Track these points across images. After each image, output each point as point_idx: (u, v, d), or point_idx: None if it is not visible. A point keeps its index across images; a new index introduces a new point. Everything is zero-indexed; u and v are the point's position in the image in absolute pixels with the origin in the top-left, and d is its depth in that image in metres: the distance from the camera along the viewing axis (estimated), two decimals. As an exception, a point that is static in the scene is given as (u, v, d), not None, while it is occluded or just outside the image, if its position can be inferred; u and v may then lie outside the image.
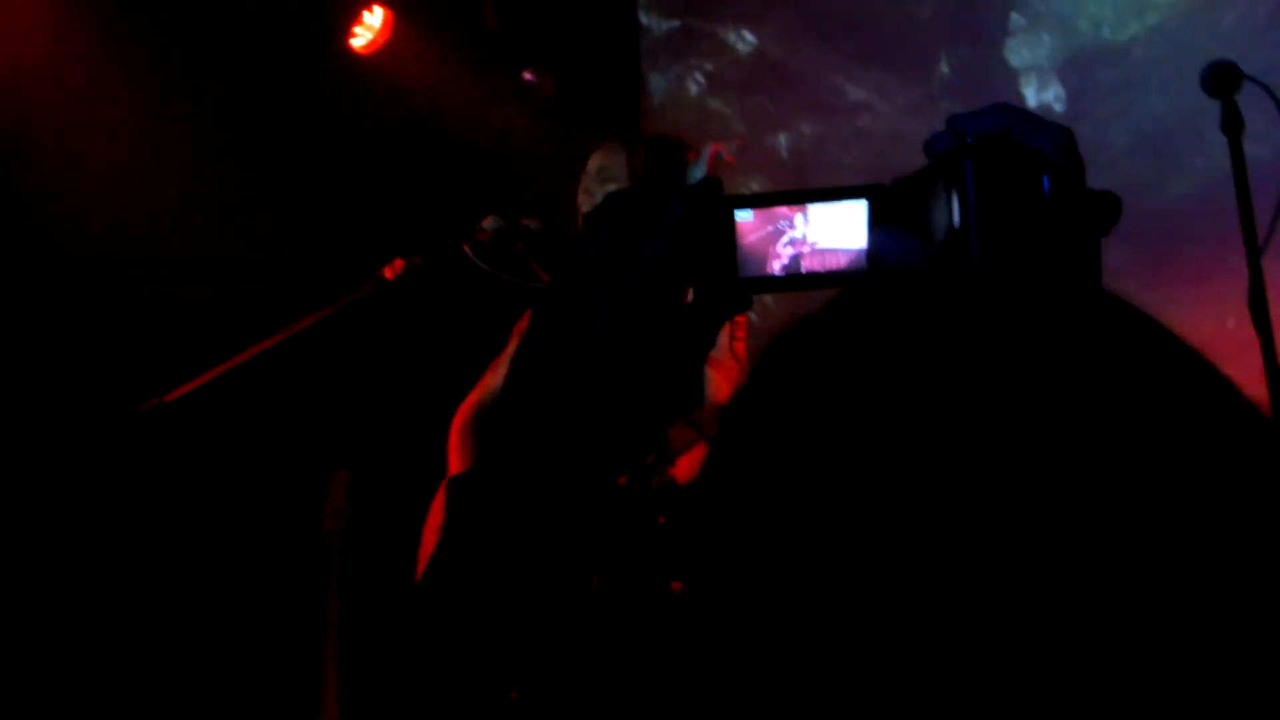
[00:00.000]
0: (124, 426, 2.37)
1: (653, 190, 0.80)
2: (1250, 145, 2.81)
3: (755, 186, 4.95)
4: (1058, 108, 4.49)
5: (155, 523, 4.11)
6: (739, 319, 3.26)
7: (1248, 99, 2.72)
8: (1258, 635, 0.43)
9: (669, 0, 5.75)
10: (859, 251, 0.82)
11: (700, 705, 0.49)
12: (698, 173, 2.87)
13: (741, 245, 0.83)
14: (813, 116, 5.25)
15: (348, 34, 4.79)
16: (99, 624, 4.01)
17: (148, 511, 4.08)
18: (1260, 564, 0.44)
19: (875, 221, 0.81)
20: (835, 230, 0.82)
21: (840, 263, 0.82)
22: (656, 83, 5.68)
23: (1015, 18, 4.69)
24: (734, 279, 0.83)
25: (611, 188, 2.81)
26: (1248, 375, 2.79)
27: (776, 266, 0.83)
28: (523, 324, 3.46)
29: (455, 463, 3.33)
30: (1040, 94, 4.56)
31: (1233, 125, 2.70)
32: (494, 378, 3.41)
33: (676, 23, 5.70)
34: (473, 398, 3.40)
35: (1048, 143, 0.77)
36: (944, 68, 4.87)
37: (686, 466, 2.89)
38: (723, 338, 3.22)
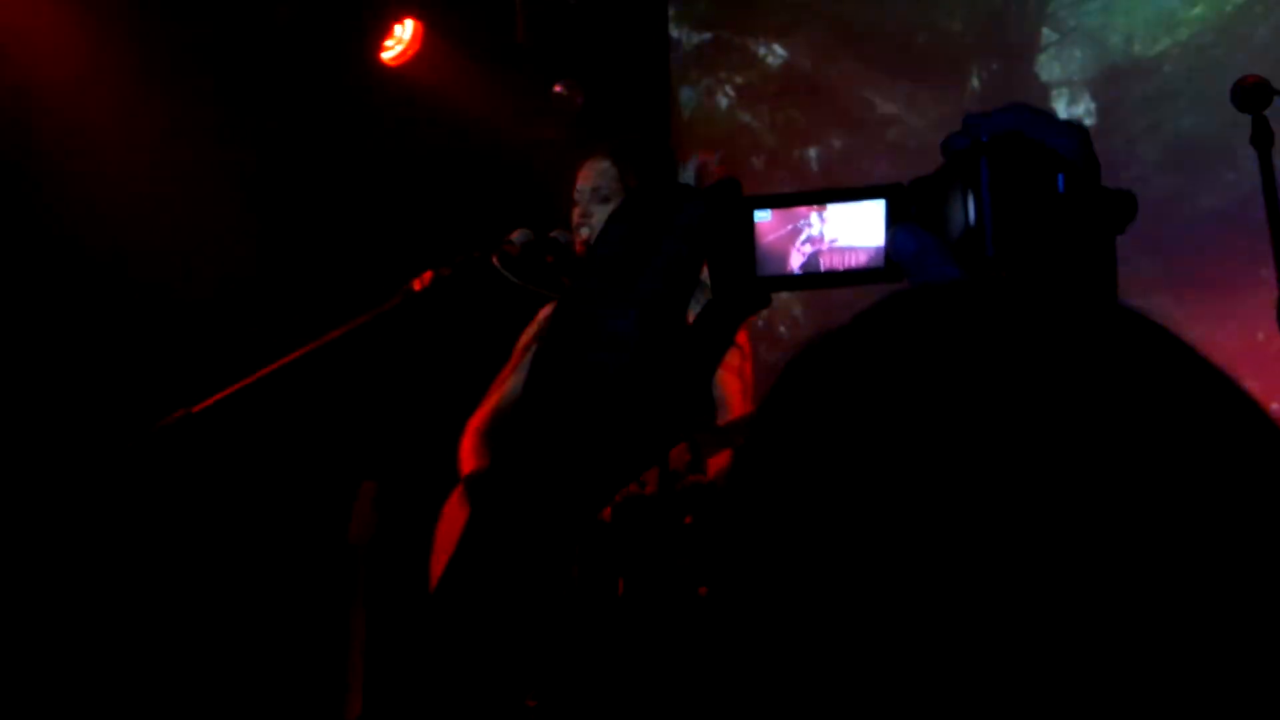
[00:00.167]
0: (150, 438, 2.38)
1: (671, 190, 0.80)
2: (1281, 160, 2.80)
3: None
4: (1088, 122, 4.47)
5: (182, 534, 4.13)
6: None
7: (1278, 114, 2.71)
8: (1273, 646, 0.43)
9: (700, 13, 5.76)
10: (877, 250, 0.82)
11: (721, 707, 0.49)
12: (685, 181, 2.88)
13: (760, 245, 0.83)
14: (843, 130, 5.25)
15: (379, 46, 4.81)
16: (127, 633, 4.03)
17: (175, 523, 4.09)
18: (1274, 574, 0.44)
19: (893, 221, 0.82)
20: (853, 229, 0.83)
21: (858, 261, 0.82)
22: (687, 96, 5.69)
23: (1047, 32, 4.68)
24: (753, 278, 0.83)
25: (610, 207, 2.81)
26: (1277, 387, 2.77)
27: (795, 265, 0.83)
28: (525, 338, 3.47)
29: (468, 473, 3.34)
30: (1071, 108, 4.55)
31: (1263, 140, 2.69)
32: (501, 391, 3.43)
33: (707, 35, 5.71)
34: (482, 411, 3.41)
35: (1063, 141, 0.77)
36: (975, 82, 4.87)
37: (714, 471, 2.89)
38: None
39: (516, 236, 2.95)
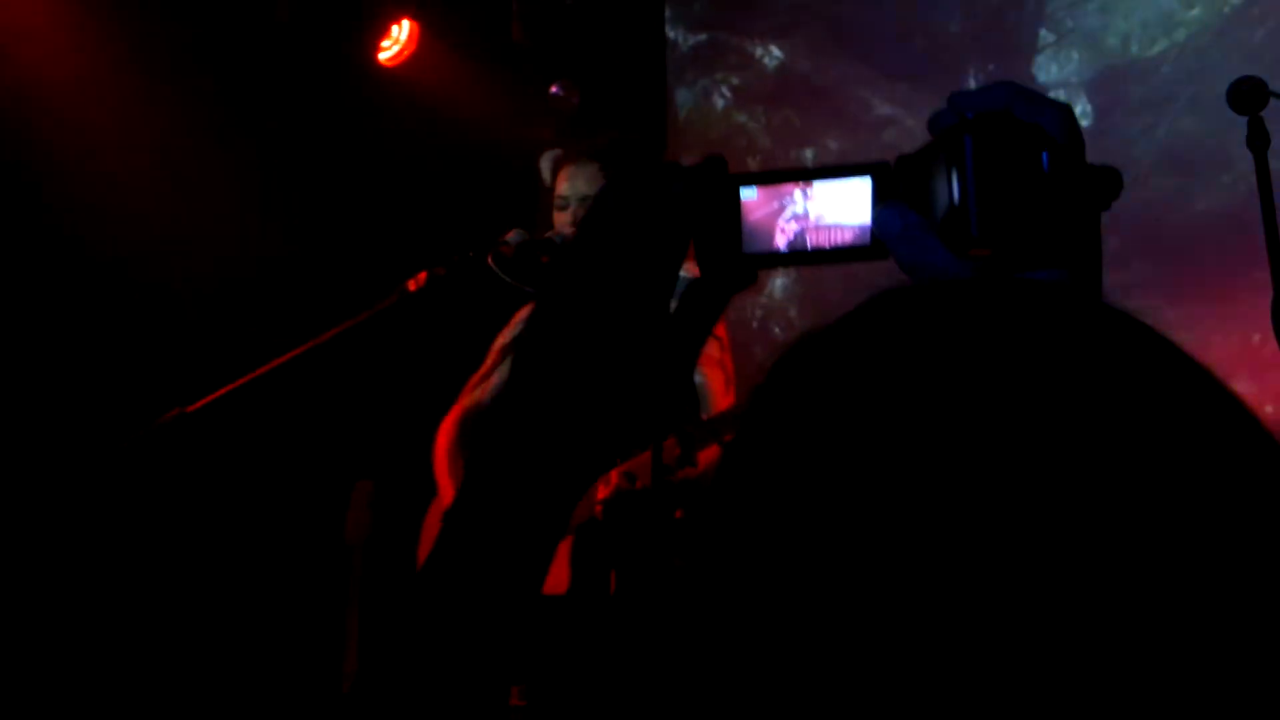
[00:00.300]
0: (145, 437, 2.38)
1: (658, 169, 0.80)
2: (1279, 161, 2.80)
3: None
4: (1085, 123, 4.46)
5: (178, 533, 4.12)
6: None
7: (1277, 115, 2.71)
8: (1249, 641, 0.43)
9: (696, 14, 5.77)
10: (863, 228, 0.82)
11: (708, 704, 0.49)
12: None
13: (746, 222, 0.83)
14: (839, 131, 5.25)
15: (375, 47, 4.81)
16: (123, 632, 4.03)
17: (170, 522, 4.09)
18: (1256, 573, 0.44)
19: (879, 198, 0.82)
20: (839, 207, 0.83)
21: (844, 239, 0.83)
22: (683, 97, 5.69)
23: (1044, 34, 4.68)
24: (739, 255, 0.83)
25: None
26: (1272, 390, 2.77)
27: (781, 243, 0.83)
28: (501, 340, 3.47)
29: (444, 477, 3.35)
30: (1068, 109, 4.55)
31: (1259, 141, 2.69)
32: (474, 394, 3.43)
33: (703, 37, 5.71)
34: (454, 413, 3.42)
35: (1048, 119, 0.77)
36: (972, 83, 4.87)
37: (705, 464, 2.90)
38: None
39: (512, 237, 2.94)
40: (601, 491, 3.01)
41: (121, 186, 4.13)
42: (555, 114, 4.88)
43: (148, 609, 4.08)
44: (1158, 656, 0.42)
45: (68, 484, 3.77)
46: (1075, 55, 4.66)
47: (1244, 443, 0.48)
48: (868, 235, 0.82)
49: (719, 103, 5.61)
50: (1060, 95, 4.64)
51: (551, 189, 3.26)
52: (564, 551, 3.23)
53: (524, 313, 3.39)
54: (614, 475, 3.02)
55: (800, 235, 0.83)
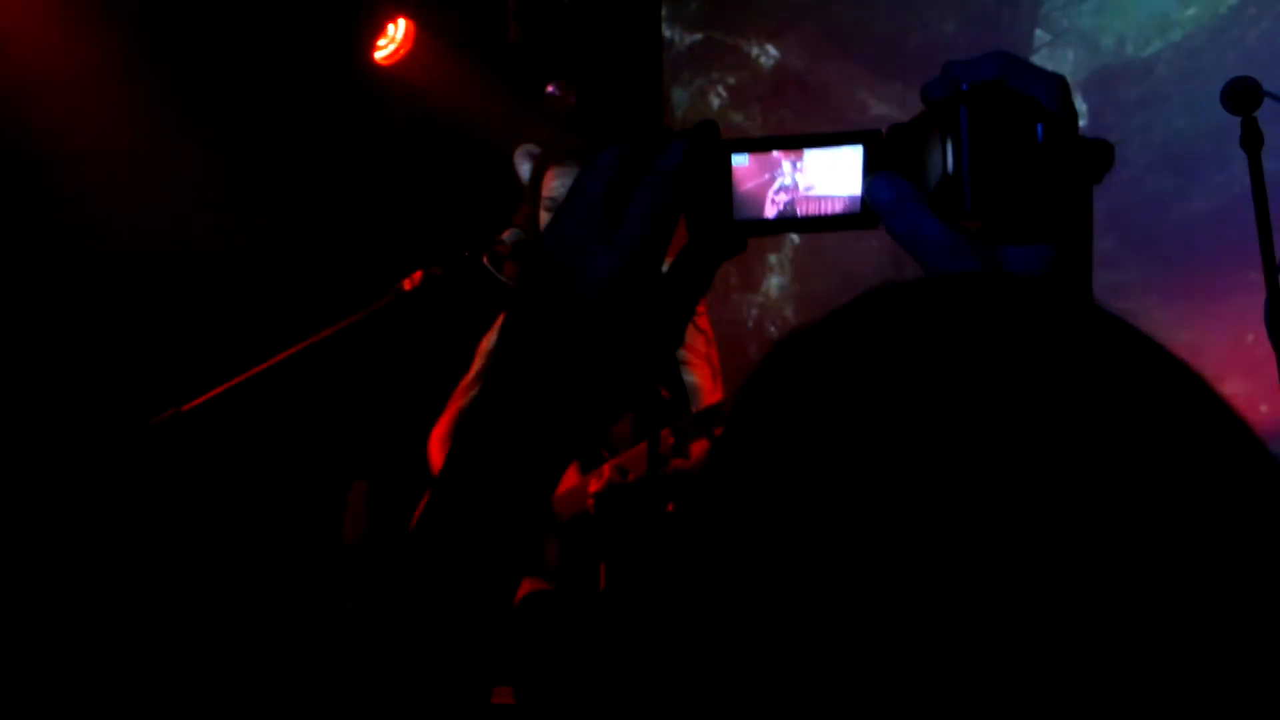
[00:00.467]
0: (141, 436, 2.38)
1: (648, 135, 0.80)
2: (1274, 162, 2.80)
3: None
4: (1080, 123, 4.47)
5: (174, 532, 4.12)
6: None
7: (1275, 116, 2.72)
8: (1223, 640, 0.43)
9: (692, 14, 5.77)
10: (853, 199, 0.82)
11: (697, 699, 0.49)
12: None
13: (737, 193, 0.83)
14: (835, 130, 5.24)
15: (372, 46, 4.81)
16: (117, 632, 4.03)
17: (165, 522, 4.09)
18: (1239, 574, 0.44)
19: (870, 168, 0.81)
20: (830, 178, 0.82)
21: (835, 208, 0.82)
22: (679, 96, 5.69)
23: (1039, 33, 4.69)
24: (729, 222, 0.83)
25: None
26: (1265, 389, 2.77)
27: (771, 212, 0.83)
28: (486, 343, 3.47)
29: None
30: (1063, 109, 4.54)
31: (1252, 141, 2.69)
32: (465, 401, 3.43)
33: (699, 36, 5.71)
34: (445, 418, 3.41)
35: (1042, 91, 0.77)
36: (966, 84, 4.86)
37: (698, 456, 2.91)
38: None
39: (507, 236, 2.95)
40: (594, 485, 3.01)
41: (115, 186, 4.13)
42: (551, 113, 4.88)
43: (143, 608, 4.08)
44: (1134, 656, 0.43)
45: (64, 483, 3.77)
46: (1070, 55, 4.66)
47: (1229, 444, 0.48)
48: (858, 204, 0.81)
49: (715, 102, 5.61)
50: (1056, 95, 4.63)
51: (535, 186, 3.25)
52: (554, 547, 3.23)
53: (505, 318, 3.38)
54: (606, 469, 3.03)
55: (791, 204, 0.83)
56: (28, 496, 3.76)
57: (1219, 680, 0.43)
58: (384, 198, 4.86)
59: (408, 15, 4.83)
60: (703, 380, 3.19)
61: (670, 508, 2.84)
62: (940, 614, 0.43)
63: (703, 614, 0.50)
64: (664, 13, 5.80)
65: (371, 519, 3.63)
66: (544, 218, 3.18)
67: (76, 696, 3.88)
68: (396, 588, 0.75)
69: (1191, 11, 4.42)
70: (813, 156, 0.83)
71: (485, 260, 2.89)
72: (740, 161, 0.83)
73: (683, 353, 3.25)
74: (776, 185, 0.83)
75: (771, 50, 5.47)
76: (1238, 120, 2.73)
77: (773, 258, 5.14)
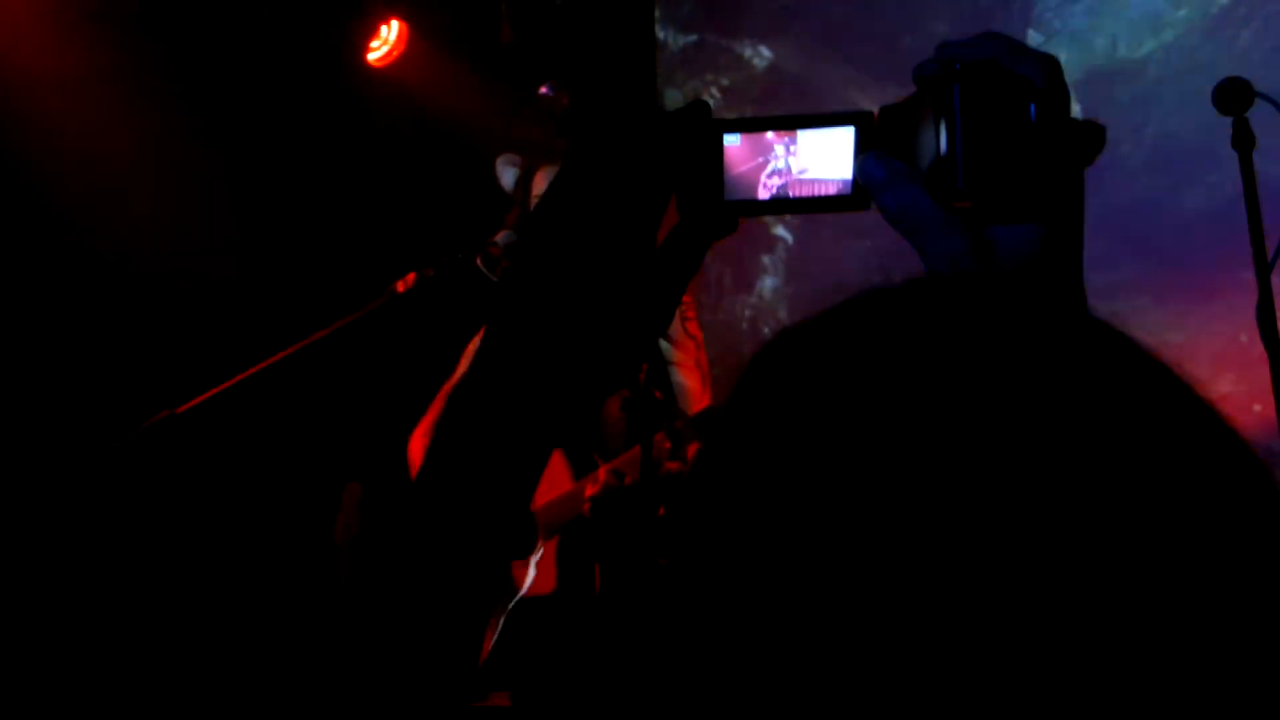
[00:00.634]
0: (134, 439, 2.38)
1: (640, 114, 0.79)
2: (1266, 162, 2.80)
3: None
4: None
5: (166, 536, 4.12)
6: (686, 299, 3.29)
7: (1267, 116, 2.72)
8: (1207, 648, 0.43)
9: (686, 15, 5.76)
10: (845, 182, 0.82)
11: (691, 701, 0.49)
12: None
13: (729, 176, 0.82)
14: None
15: (364, 47, 4.80)
16: (109, 636, 4.02)
17: (158, 525, 4.08)
18: (1226, 579, 0.44)
19: (862, 149, 0.81)
20: (822, 161, 0.82)
21: (827, 189, 0.82)
22: (673, 97, 5.69)
23: (1032, 34, 4.69)
24: (720, 202, 0.83)
25: None
26: (1258, 389, 2.78)
27: (765, 195, 0.83)
28: (473, 346, 3.47)
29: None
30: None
31: (1243, 141, 2.69)
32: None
33: (693, 37, 5.71)
34: (425, 423, 3.41)
35: (1035, 71, 0.77)
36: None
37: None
38: (676, 319, 3.25)
39: (500, 238, 2.95)
40: (590, 490, 3.01)
41: (107, 188, 4.12)
42: (545, 115, 4.87)
43: (137, 612, 4.07)
44: (1114, 658, 0.43)
45: (56, 486, 3.76)
46: (1063, 56, 4.62)
47: (1210, 447, 0.48)
48: (850, 186, 0.81)
49: (709, 103, 5.61)
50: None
51: (526, 186, 3.25)
52: (550, 551, 3.23)
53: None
54: (602, 473, 3.02)
55: (784, 187, 0.82)
56: (20, 500, 3.76)
57: (1202, 678, 0.43)
58: (377, 199, 4.86)
59: (400, 17, 4.82)
60: (692, 383, 3.20)
61: (662, 511, 2.84)
62: (926, 615, 0.43)
63: (695, 616, 0.50)
64: (657, 14, 5.80)
65: (364, 521, 3.63)
66: None
67: (70, 699, 3.87)
68: (380, 580, 0.75)
69: (1183, 12, 4.42)
70: (806, 140, 0.82)
71: (478, 262, 2.89)
72: (732, 142, 0.83)
73: (673, 354, 3.25)
74: (770, 168, 0.82)
75: (765, 51, 5.47)
76: (1229, 120, 2.73)
77: (766, 259, 5.14)
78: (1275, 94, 2.73)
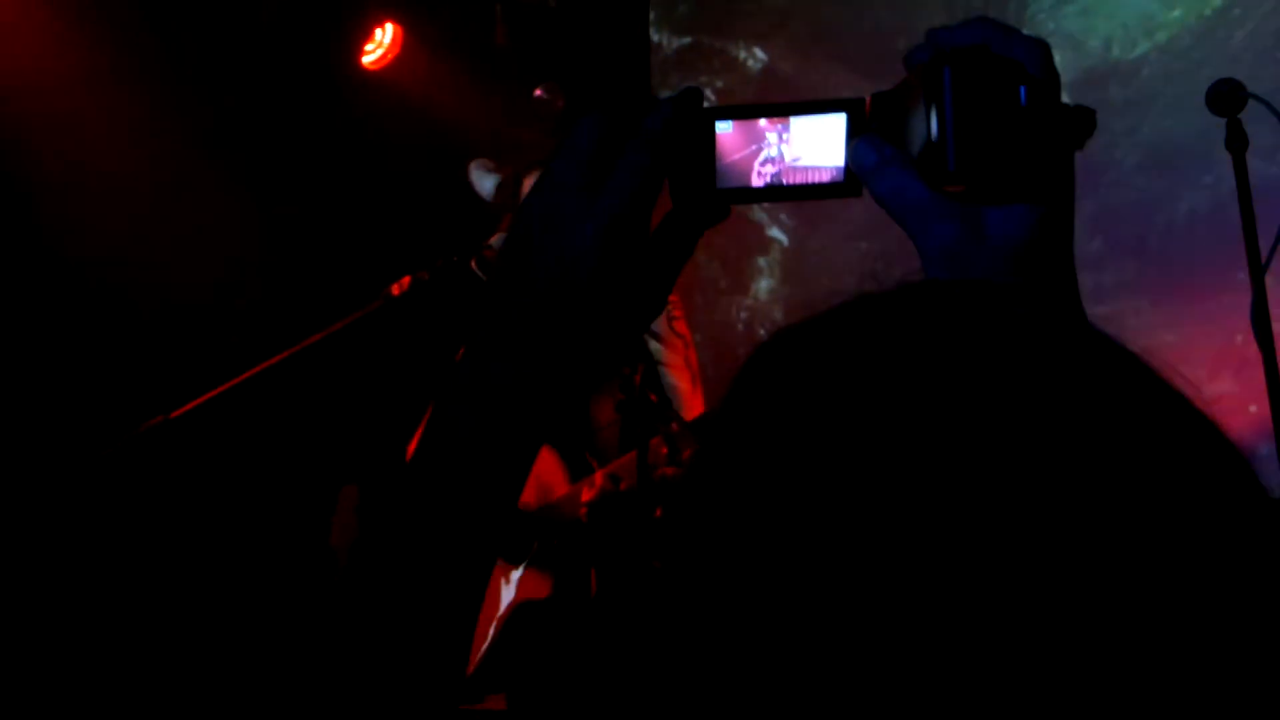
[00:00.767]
0: (129, 443, 2.38)
1: (631, 102, 0.79)
2: (1260, 163, 2.80)
3: (765, 203, 4.95)
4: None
5: (161, 541, 4.11)
6: (673, 299, 3.30)
7: (1261, 117, 2.72)
8: (1198, 650, 0.43)
9: (680, 17, 5.76)
10: (838, 168, 0.82)
11: (678, 699, 0.49)
12: None
13: (722, 164, 0.83)
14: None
15: (359, 50, 4.80)
16: (104, 638, 4.01)
17: (153, 529, 4.08)
18: (1210, 581, 0.44)
19: (853, 135, 0.81)
20: (815, 148, 0.82)
21: (820, 177, 0.82)
22: (667, 99, 5.68)
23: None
24: (713, 189, 0.83)
25: None
26: (1253, 389, 2.78)
27: (758, 183, 0.83)
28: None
29: None
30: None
31: (1237, 143, 2.69)
32: None
33: (688, 39, 5.71)
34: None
35: (1025, 55, 0.77)
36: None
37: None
38: (663, 320, 3.26)
39: (495, 241, 2.95)
40: (586, 494, 3.01)
41: (102, 191, 4.12)
42: (539, 118, 4.87)
43: (132, 616, 4.07)
44: (1097, 659, 0.43)
45: (50, 491, 3.76)
46: (1057, 57, 4.61)
47: (1198, 450, 0.48)
48: (843, 173, 0.81)
49: (700, 90, 5.60)
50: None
51: (517, 189, 3.25)
52: (546, 556, 3.23)
53: None
54: (598, 478, 3.02)
55: (777, 175, 0.83)
56: (15, 505, 3.75)
57: (1187, 679, 0.43)
58: (372, 202, 4.86)
59: (395, 20, 4.82)
60: (682, 383, 3.20)
61: (659, 514, 2.84)
62: (917, 618, 0.44)
63: (689, 617, 0.50)
64: (652, 16, 5.80)
65: (360, 525, 3.63)
66: None
67: (65, 702, 3.87)
68: (367, 580, 0.75)
69: (1177, 13, 4.43)
70: (798, 127, 0.83)
71: (473, 265, 2.89)
72: (724, 130, 0.83)
73: (663, 354, 3.25)
74: (763, 156, 0.82)
75: (759, 53, 5.47)
76: (1223, 121, 2.73)
77: (762, 261, 5.14)
78: (1268, 95, 2.73)
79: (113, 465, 2.39)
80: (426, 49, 4.94)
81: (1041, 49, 0.77)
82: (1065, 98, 0.79)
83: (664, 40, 5.77)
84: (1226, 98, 2.70)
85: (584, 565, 3.05)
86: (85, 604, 3.98)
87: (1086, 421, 0.46)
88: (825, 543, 0.46)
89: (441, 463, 0.75)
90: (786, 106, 0.83)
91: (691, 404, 3.17)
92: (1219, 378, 3.63)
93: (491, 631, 3.24)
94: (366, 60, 4.82)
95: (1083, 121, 0.80)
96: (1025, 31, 0.78)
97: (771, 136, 0.82)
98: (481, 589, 0.76)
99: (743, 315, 5.19)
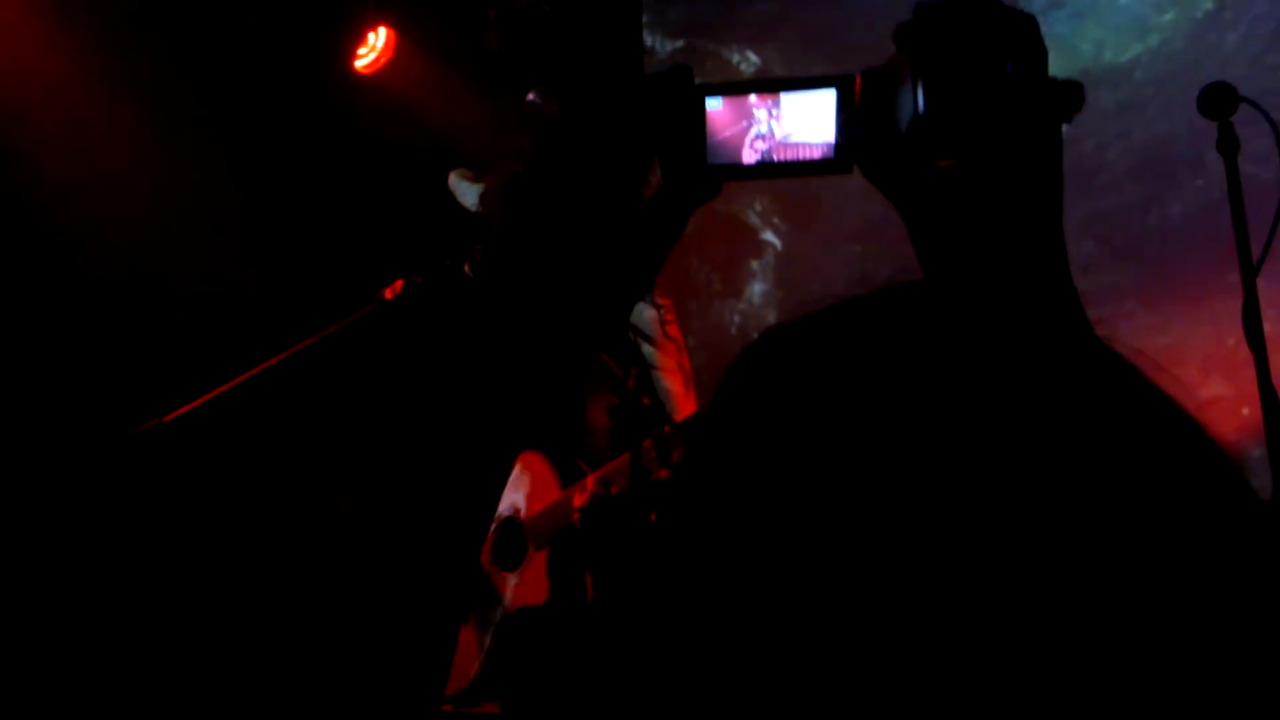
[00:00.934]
0: (122, 448, 2.37)
1: (622, 79, 0.79)
2: (1253, 166, 2.81)
3: (759, 206, 4.95)
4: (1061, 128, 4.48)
5: (153, 547, 4.10)
6: (665, 302, 3.30)
7: (1252, 120, 2.72)
8: (1187, 653, 0.43)
9: (674, 21, 5.77)
10: (828, 144, 0.82)
11: (675, 703, 0.49)
12: None
13: (713, 140, 0.83)
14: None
15: (352, 54, 4.80)
16: (99, 642, 4.01)
17: (145, 536, 4.07)
18: (1197, 583, 0.44)
19: (843, 111, 0.82)
20: (805, 125, 0.83)
21: (810, 154, 0.83)
22: (660, 103, 5.68)
23: (1017, 39, 4.69)
24: (703, 166, 0.83)
25: None
26: (1246, 392, 2.78)
27: (750, 159, 0.83)
28: None
29: None
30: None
31: (1228, 146, 2.70)
32: None
33: (680, 43, 5.71)
34: None
35: (1012, 28, 0.77)
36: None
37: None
38: (655, 323, 3.26)
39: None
40: (578, 499, 3.01)
41: (95, 194, 4.11)
42: (532, 121, 4.87)
43: (126, 621, 4.06)
44: (1084, 663, 0.43)
45: (43, 495, 3.75)
46: (1049, 59, 4.66)
47: (1184, 451, 0.48)
48: (833, 149, 0.82)
49: (690, 67, 5.60)
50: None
51: (495, 204, 3.25)
52: (541, 562, 3.23)
53: None
54: (590, 482, 3.02)
55: (768, 152, 0.83)
56: (6, 509, 3.75)
57: (1177, 682, 0.43)
58: (365, 206, 4.86)
59: (388, 24, 4.82)
60: (675, 386, 3.21)
61: (653, 518, 2.84)
62: (910, 617, 0.44)
63: (685, 618, 0.50)
64: (645, 20, 5.80)
65: (350, 529, 3.62)
66: None
67: (61, 705, 3.86)
68: (354, 580, 0.75)
69: (1168, 17, 4.44)
70: (789, 103, 0.83)
71: (467, 269, 2.88)
72: (714, 106, 0.83)
73: (655, 358, 3.26)
74: (754, 133, 0.83)
75: (753, 57, 5.48)
76: (1215, 125, 2.73)
77: (755, 264, 5.14)
78: (1260, 98, 2.73)
79: (105, 468, 2.39)
80: (419, 53, 4.94)
81: (1028, 23, 0.77)
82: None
83: (657, 44, 5.78)
84: (1218, 101, 2.70)
85: (578, 570, 3.05)
86: (81, 608, 3.97)
87: (1072, 426, 0.47)
88: (813, 543, 0.46)
89: (436, 443, 0.75)
90: (777, 82, 0.83)
91: (684, 407, 3.18)
92: (1211, 381, 3.64)
93: (488, 638, 3.24)
94: (359, 64, 4.82)
95: (1070, 95, 0.80)
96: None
97: (761, 113, 0.83)
98: (465, 589, 0.76)
99: (736, 319, 5.20)
